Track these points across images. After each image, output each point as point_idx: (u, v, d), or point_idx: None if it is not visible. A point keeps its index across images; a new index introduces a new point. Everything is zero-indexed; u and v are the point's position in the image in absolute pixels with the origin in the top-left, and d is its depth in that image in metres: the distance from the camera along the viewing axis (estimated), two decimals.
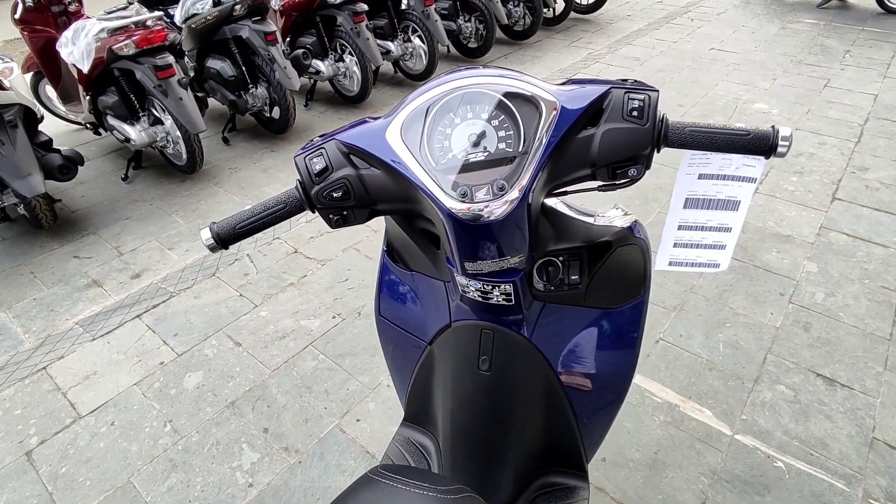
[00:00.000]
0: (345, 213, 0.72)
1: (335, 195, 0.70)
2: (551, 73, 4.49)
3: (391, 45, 4.17)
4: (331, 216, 0.72)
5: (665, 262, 0.81)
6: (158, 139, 3.04)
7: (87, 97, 3.06)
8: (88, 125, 3.35)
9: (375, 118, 0.73)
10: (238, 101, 3.39)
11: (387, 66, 4.65)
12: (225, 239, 0.73)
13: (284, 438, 1.64)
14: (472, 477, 0.94)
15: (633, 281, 0.85)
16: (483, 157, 0.64)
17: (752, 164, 0.73)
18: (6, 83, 2.38)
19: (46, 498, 1.50)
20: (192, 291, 2.26)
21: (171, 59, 2.80)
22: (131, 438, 1.66)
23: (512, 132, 0.65)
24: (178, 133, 2.96)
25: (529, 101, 0.65)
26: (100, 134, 3.50)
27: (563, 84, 0.70)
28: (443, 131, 0.66)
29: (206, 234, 0.73)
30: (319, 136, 0.75)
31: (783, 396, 1.73)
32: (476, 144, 0.65)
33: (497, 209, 0.63)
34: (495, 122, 0.65)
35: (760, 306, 2.08)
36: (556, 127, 0.64)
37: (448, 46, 5.03)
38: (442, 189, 0.64)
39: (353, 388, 1.80)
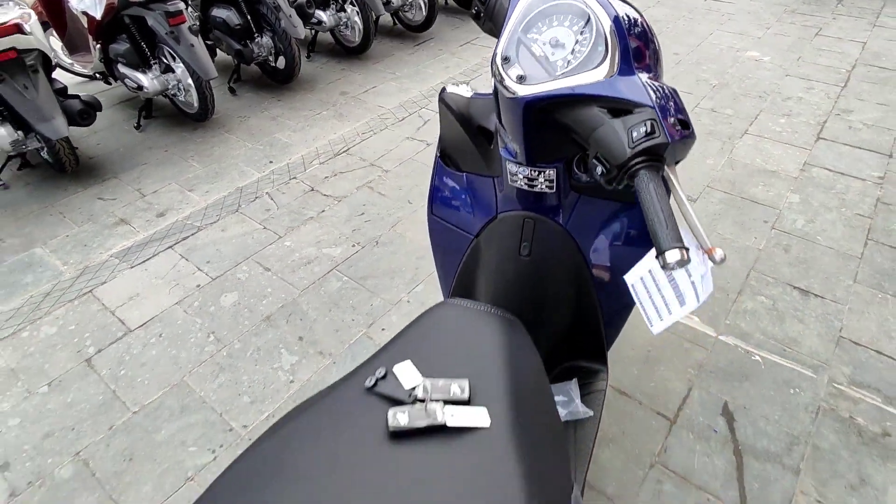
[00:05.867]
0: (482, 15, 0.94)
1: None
2: None
3: None
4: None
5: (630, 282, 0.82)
6: (170, 87, 3.12)
7: (98, 46, 3.12)
8: (98, 74, 3.41)
9: None
10: (244, 51, 3.45)
11: (386, 19, 4.67)
12: None
13: (318, 345, 1.83)
14: None
15: None
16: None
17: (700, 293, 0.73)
18: (27, 28, 2.45)
19: (110, 394, 1.69)
20: (217, 226, 2.41)
21: (181, 4, 2.86)
22: (179, 347, 1.84)
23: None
24: (190, 81, 3.04)
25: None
26: (110, 83, 3.55)
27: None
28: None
29: None
30: None
31: (763, 305, 1.94)
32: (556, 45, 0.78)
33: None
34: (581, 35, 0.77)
35: (746, 232, 2.27)
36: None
37: None
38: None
39: (377, 303, 1.98)
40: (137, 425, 1.60)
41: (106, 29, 3.05)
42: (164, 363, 1.78)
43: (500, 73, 0.79)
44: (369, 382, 0.65)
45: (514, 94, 0.77)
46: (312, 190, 2.62)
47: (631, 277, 0.78)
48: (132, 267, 2.19)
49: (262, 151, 3.02)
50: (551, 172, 0.88)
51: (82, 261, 2.29)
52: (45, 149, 2.70)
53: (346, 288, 2.05)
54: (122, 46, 3.03)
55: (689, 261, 0.62)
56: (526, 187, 0.92)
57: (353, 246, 2.25)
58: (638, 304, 0.78)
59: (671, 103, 0.70)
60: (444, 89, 1.03)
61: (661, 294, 0.76)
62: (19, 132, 2.60)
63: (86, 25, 3.10)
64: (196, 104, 3.15)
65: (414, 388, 0.63)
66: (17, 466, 1.51)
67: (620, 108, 0.70)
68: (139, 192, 2.73)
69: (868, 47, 3.89)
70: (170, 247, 2.30)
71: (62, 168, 2.78)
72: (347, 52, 4.22)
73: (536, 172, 0.89)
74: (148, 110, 3.40)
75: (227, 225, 2.41)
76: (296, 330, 1.89)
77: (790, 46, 3.96)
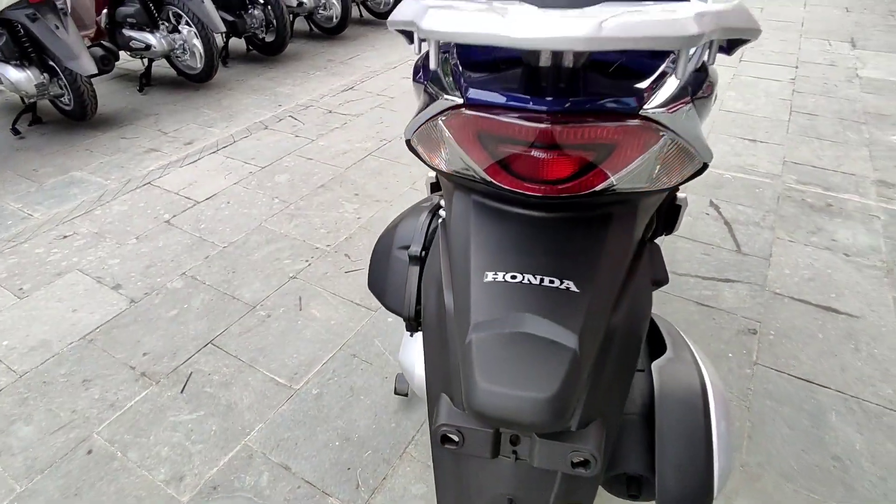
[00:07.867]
0: None
1: None
2: None
3: None
4: None
5: None
6: (176, 46, 3.35)
7: (105, 12, 3.32)
8: (98, 45, 3.58)
9: None
10: (237, 22, 3.74)
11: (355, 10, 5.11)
12: None
13: (373, 196, 2.12)
14: None
15: None
16: None
17: None
18: None
19: (197, 239, 1.89)
20: (252, 138, 2.66)
21: None
22: (250, 207, 2.07)
23: None
24: (196, 41, 3.30)
25: None
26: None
27: None
28: None
29: None
30: None
31: (725, 150, 2.42)
32: None
33: None
34: None
35: None
36: None
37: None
38: None
39: (415, 171, 2.30)
40: (231, 253, 1.82)
41: None
42: (239, 218, 2.01)
43: None
44: None
45: None
46: (331, 112, 2.92)
47: None
48: (182, 167, 2.40)
49: (268, 99, 3.29)
50: None
51: (125, 176, 2.45)
52: (68, 94, 2.85)
53: (385, 164, 2.36)
54: (131, 8, 3.26)
55: None
56: None
57: (381, 141, 2.57)
58: None
59: None
60: None
61: None
62: (44, 75, 2.75)
63: None
64: (200, 64, 3.39)
65: None
66: (129, 286, 1.69)
67: None
68: (160, 131, 2.93)
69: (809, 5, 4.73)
70: (212, 153, 2.52)
71: (83, 112, 2.92)
72: (324, 32, 4.60)
73: None
74: (148, 77, 3.59)
75: (261, 137, 2.66)
76: (350, 190, 2.17)
77: (751, 4, 4.73)
